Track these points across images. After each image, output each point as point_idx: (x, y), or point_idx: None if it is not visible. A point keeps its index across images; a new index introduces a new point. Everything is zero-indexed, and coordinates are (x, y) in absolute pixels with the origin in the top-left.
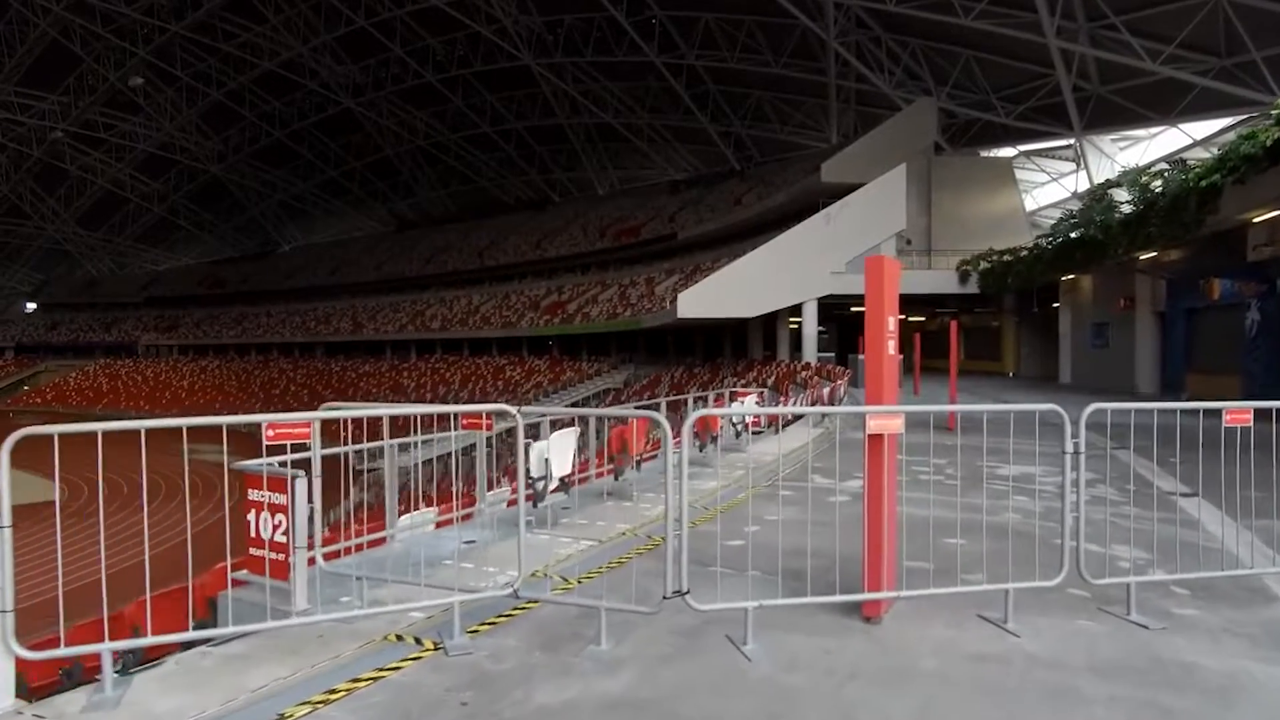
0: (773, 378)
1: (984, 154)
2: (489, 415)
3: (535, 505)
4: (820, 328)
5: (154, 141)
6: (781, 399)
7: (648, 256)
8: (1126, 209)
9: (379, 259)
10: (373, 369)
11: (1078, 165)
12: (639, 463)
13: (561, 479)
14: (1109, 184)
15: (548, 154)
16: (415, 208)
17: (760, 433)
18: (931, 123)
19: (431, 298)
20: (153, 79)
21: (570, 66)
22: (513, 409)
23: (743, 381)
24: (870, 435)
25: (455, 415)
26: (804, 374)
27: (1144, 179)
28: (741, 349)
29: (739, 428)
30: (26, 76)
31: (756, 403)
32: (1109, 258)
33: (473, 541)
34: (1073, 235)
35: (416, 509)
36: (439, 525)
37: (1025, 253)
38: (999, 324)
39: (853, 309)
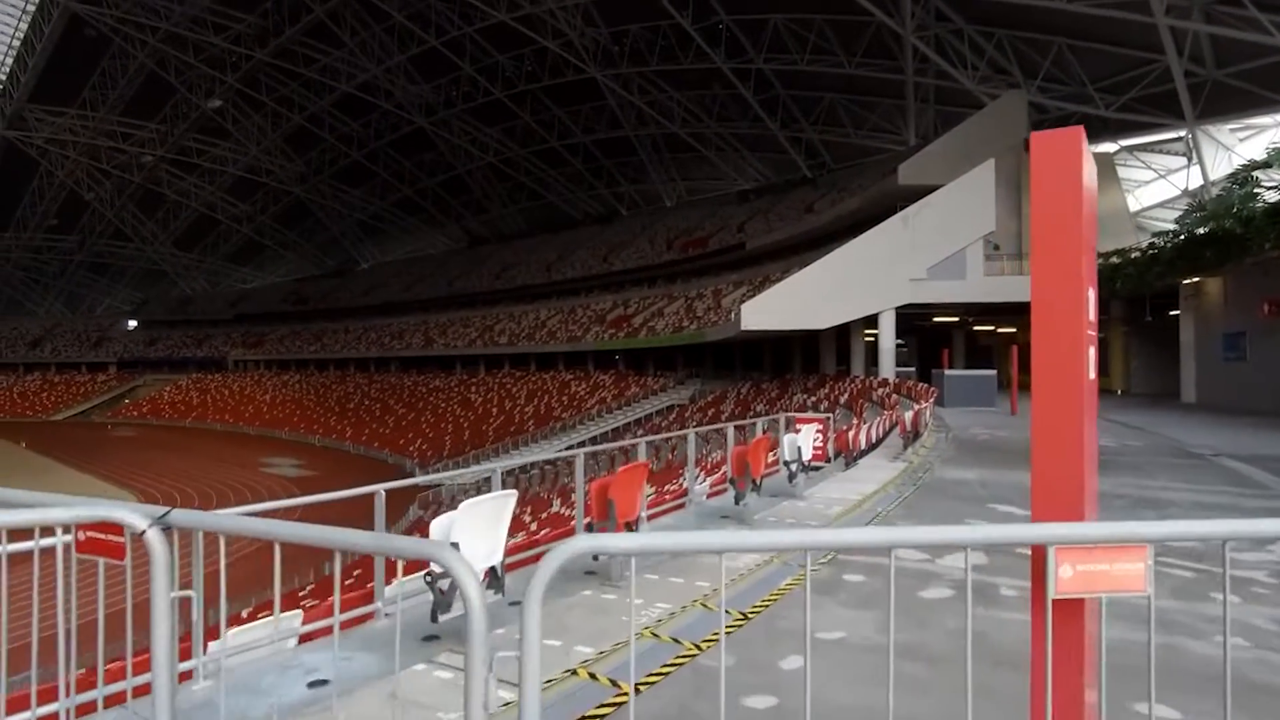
0: (845, 395)
1: None
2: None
3: (436, 618)
4: (899, 340)
5: (242, 165)
6: (855, 421)
7: (715, 268)
8: (1273, 195)
9: (451, 275)
10: (443, 384)
11: (1190, 159)
12: (759, 485)
13: (492, 570)
14: (1254, 165)
15: (615, 167)
16: (486, 224)
17: (821, 467)
18: (1021, 118)
19: (500, 313)
20: (240, 105)
21: (636, 77)
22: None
23: (812, 399)
24: (1059, 600)
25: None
26: (881, 391)
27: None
28: (813, 363)
29: (794, 468)
30: (128, 107)
31: (819, 432)
32: (1250, 254)
33: (324, 682)
34: (1201, 231)
35: (281, 609)
36: (304, 640)
37: (1137, 254)
38: (1105, 335)
39: (935, 319)
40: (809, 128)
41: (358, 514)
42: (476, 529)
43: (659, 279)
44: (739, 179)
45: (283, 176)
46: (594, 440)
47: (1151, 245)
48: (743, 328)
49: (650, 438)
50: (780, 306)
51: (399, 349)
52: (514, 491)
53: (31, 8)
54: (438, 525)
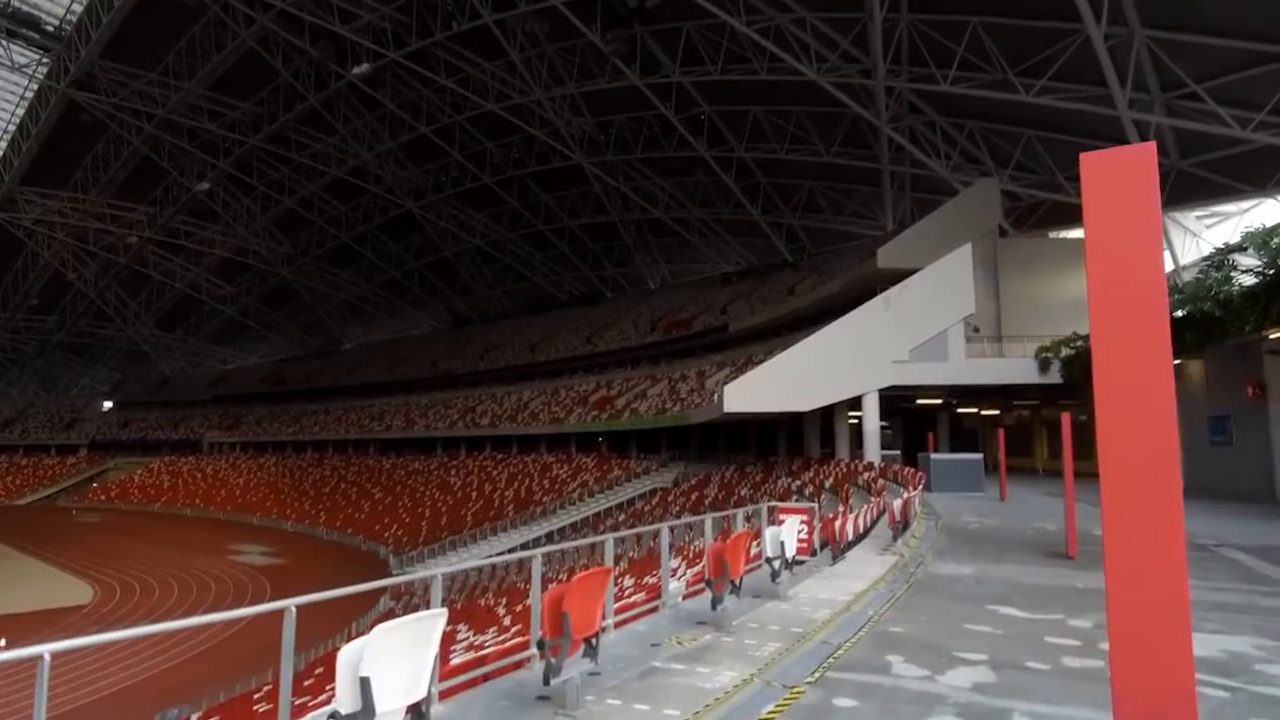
0: (830, 479)
1: (1053, 236)
2: None
3: None
4: (883, 423)
5: (230, 246)
6: (842, 508)
7: (699, 349)
8: (1249, 279)
9: (435, 355)
10: (422, 466)
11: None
12: (739, 586)
13: (415, 709)
14: (1229, 249)
15: (600, 250)
16: (471, 305)
17: (805, 561)
18: (994, 204)
19: (483, 394)
20: (230, 188)
21: (621, 164)
22: None
23: (797, 483)
24: None
25: None
26: (867, 475)
27: (1275, 241)
28: (798, 445)
29: (777, 565)
30: (119, 190)
31: (804, 523)
32: (1229, 337)
33: None
34: (1179, 314)
35: None
36: None
37: None
38: (1089, 418)
39: (919, 401)
40: (789, 213)
41: (306, 618)
42: (394, 658)
43: (642, 360)
44: (722, 262)
45: (269, 258)
46: (574, 527)
47: None
48: (726, 409)
49: (618, 534)
50: (763, 388)
51: (379, 430)
52: (442, 611)
53: (30, 94)
54: (346, 655)
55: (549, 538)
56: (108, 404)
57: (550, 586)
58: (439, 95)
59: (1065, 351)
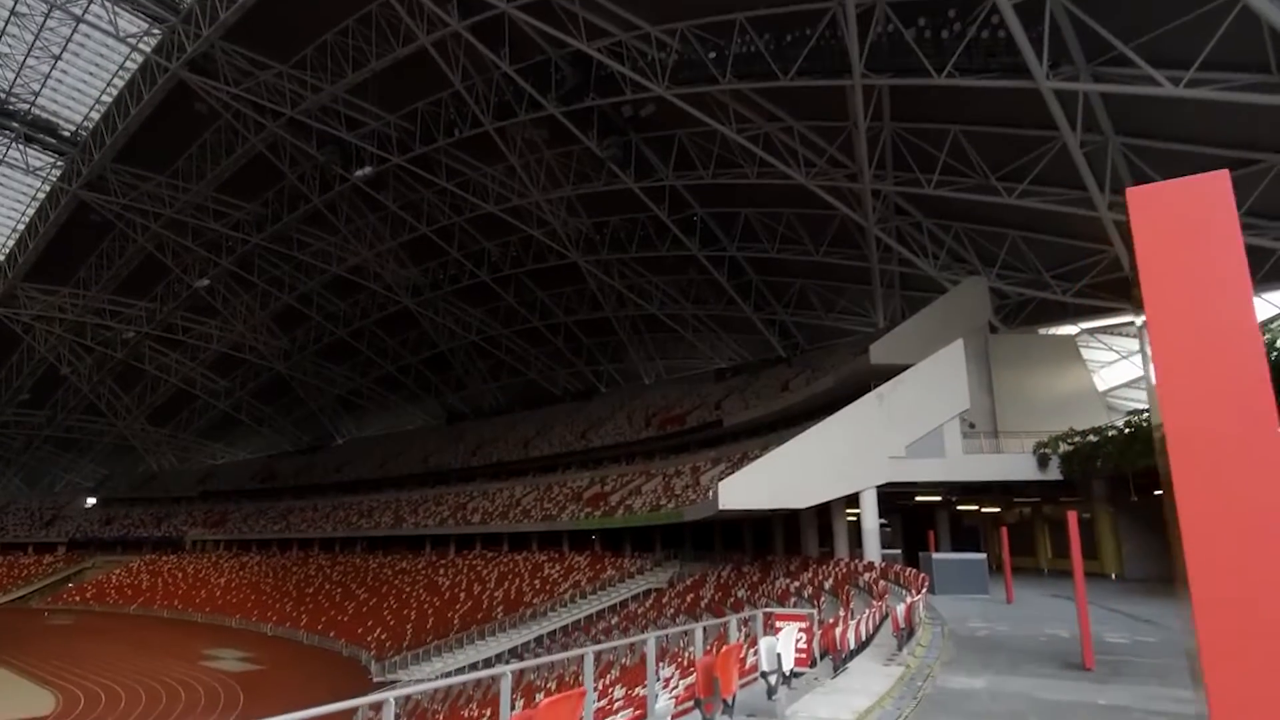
0: (830, 580)
1: (1043, 332)
2: None
3: None
4: (882, 520)
5: (227, 342)
6: (843, 612)
7: (693, 445)
8: None
9: (427, 451)
10: (409, 566)
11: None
12: (732, 705)
13: None
14: None
15: (595, 346)
16: (466, 400)
17: (804, 673)
18: (983, 301)
19: (475, 490)
20: (231, 284)
21: (616, 262)
22: None
23: (795, 583)
24: None
25: None
26: (867, 576)
27: (1266, 335)
28: (795, 543)
29: (773, 680)
30: (121, 286)
31: (802, 632)
32: None
33: None
34: None
35: None
36: None
37: (1114, 432)
38: (1091, 515)
39: (918, 498)
40: (781, 310)
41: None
42: None
43: (637, 455)
44: (716, 358)
45: (266, 353)
46: (565, 630)
47: (1129, 424)
48: (721, 507)
49: (599, 646)
50: (759, 485)
51: (367, 528)
52: None
53: (42, 195)
54: None
55: (539, 641)
56: (91, 500)
57: (521, 709)
58: (440, 197)
59: (1063, 447)
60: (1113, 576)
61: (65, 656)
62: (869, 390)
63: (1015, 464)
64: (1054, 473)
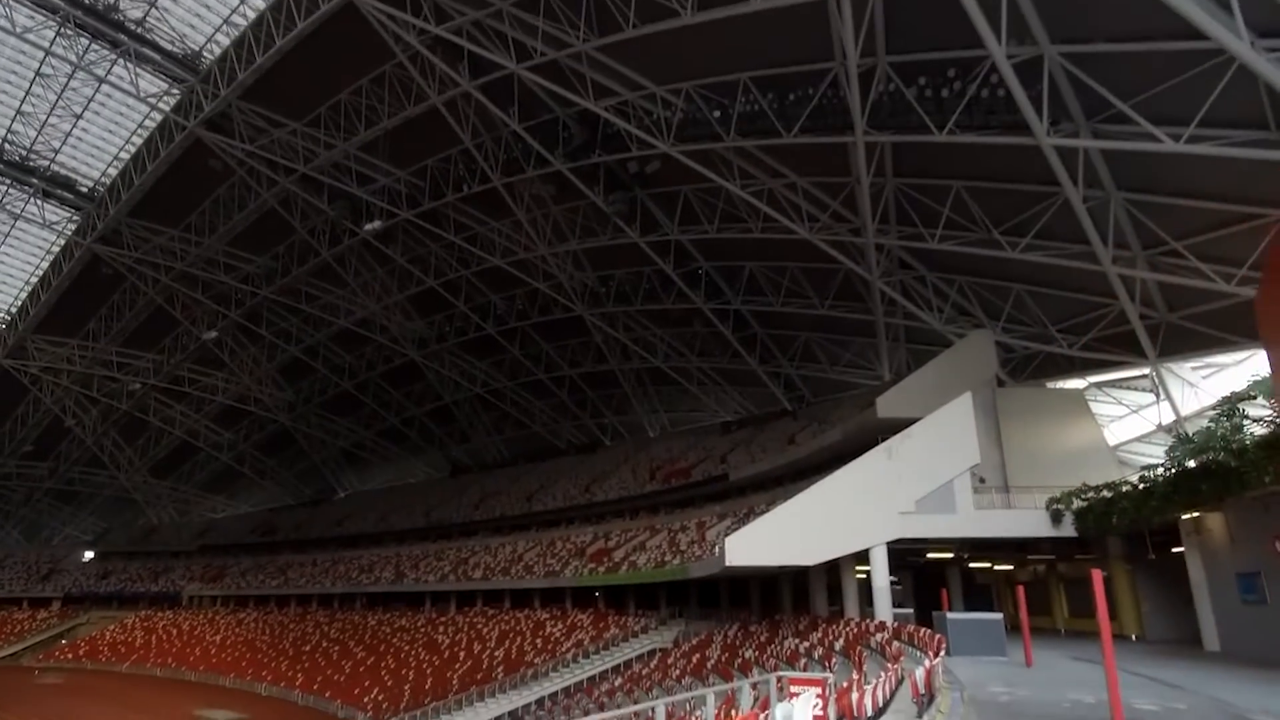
0: (841, 640)
1: (1051, 385)
2: None
3: None
4: (893, 578)
5: (232, 394)
6: (857, 675)
7: (699, 499)
8: (1259, 429)
9: (429, 504)
10: (409, 623)
11: (1157, 396)
12: None
13: None
14: (1237, 398)
15: (600, 398)
16: (470, 453)
17: None
18: (989, 355)
19: (477, 544)
20: (239, 337)
21: (621, 315)
22: None
23: (805, 644)
24: None
25: None
26: (880, 636)
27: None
28: (803, 601)
29: None
30: (130, 338)
31: (819, 698)
32: (1248, 489)
33: None
34: (1190, 464)
35: None
36: None
37: (1129, 487)
38: (1109, 573)
39: (929, 555)
40: (786, 363)
41: None
42: None
43: (641, 510)
44: (721, 410)
45: (270, 405)
46: (567, 692)
47: (1143, 479)
48: (728, 563)
49: (605, 715)
50: (767, 541)
51: (367, 583)
52: None
53: (56, 248)
54: None
55: (540, 704)
56: (89, 554)
57: None
58: (447, 250)
59: (1077, 503)
60: (1133, 638)
61: (53, 716)
62: (876, 444)
63: (1028, 520)
64: (1068, 529)
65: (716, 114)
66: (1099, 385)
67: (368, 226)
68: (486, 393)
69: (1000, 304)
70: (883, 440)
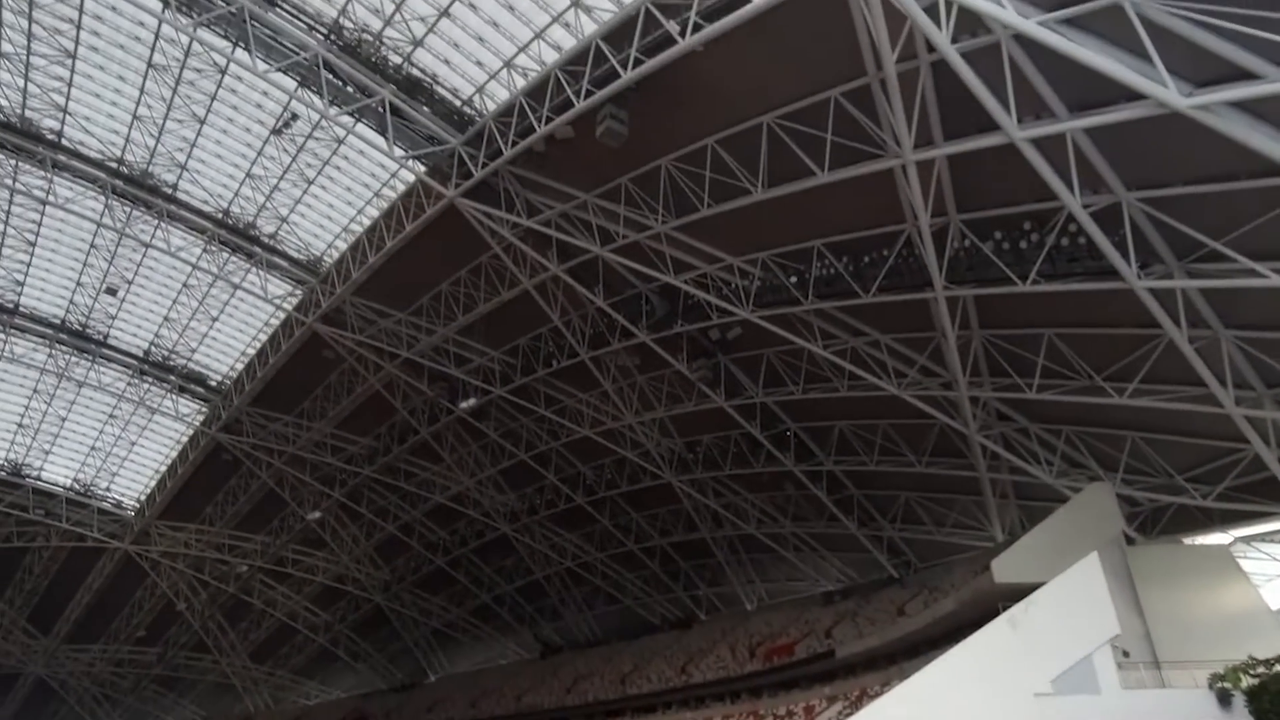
0: None
1: (1189, 542)
2: None
3: None
4: None
5: (331, 574)
6: None
7: (804, 679)
8: None
9: (520, 688)
10: None
11: None
12: None
13: None
14: None
15: (692, 569)
16: (560, 631)
17: None
18: (1112, 510)
19: None
20: (340, 516)
21: (710, 481)
22: None
23: None
24: None
25: None
26: None
27: None
28: None
29: None
30: (242, 521)
31: None
32: None
33: None
34: None
35: None
36: None
37: None
38: None
39: None
40: (887, 526)
41: None
42: None
43: (742, 693)
44: (821, 579)
45: (367, 584)
46: None
47: None
48: None
49: None
50: None
51: None
52: None
53: (184, 439)
54: None
55: None
56: None
57: None
58: (538, 424)
59: (1246, 680)
60: None
61: None
62: (997, 613)
63: (1188, 702)
64: (1240, 714)
65: (793, 280)
66: (1246, 540)
67: (464, 404)
68: (577, 565)
69: (1115, 454)
70: (1003, 609)
